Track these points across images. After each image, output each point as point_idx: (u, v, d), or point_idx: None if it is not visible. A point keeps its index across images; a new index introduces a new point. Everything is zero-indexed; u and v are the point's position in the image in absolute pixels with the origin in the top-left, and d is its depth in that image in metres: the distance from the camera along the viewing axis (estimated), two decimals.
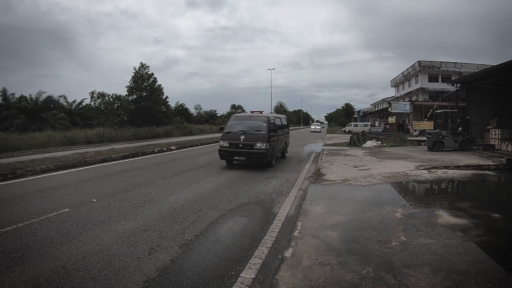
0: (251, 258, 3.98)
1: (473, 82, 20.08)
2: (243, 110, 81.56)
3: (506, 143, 15.84)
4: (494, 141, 16.93)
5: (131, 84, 46.16)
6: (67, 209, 6.04)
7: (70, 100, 38.86)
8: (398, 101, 45.41)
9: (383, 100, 65.18)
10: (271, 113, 16.36)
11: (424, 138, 19.28)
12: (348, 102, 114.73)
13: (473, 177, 9.72)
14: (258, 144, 11.06)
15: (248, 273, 3.59)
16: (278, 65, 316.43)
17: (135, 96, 45.59)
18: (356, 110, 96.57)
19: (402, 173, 9.83)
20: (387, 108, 41.58)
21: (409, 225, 5.11)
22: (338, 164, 12.12)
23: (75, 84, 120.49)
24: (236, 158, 11.40)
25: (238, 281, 3.43)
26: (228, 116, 70.95)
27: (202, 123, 55.87)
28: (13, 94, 33.17)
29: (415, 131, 30.28)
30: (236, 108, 79.51)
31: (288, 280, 3.39)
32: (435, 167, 10.86)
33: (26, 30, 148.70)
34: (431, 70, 43.54)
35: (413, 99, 40.87)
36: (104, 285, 3.35)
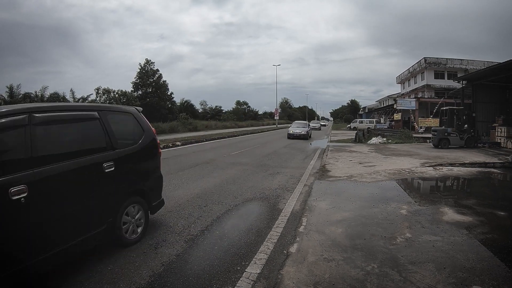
0: (257, 254, 4.01)
1: (479, 79, 19.93)
2: (248, 107, 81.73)
3: None
4: (500, 139, 16.82)
5: (137, 80, 46.35)
6: None
7: (75, 96, 38.93)
8: (404, 97, 45.22)
9: (389, 97, 64.97)
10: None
11: (430, 135, 19.20)
12: (353, 99, 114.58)
13: (479, 174, 9.67)
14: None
15: (254, 268, 3.62)
16: (283, 61, 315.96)
17: (140, 92, 45.78)
18: (362, 106, 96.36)
19: (407, 170, 9.80)
20: (393, 104, 41.39)
21: (414, 221, 5.11)
22: (343, 160, 12.10)
23: (79, 81, 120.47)
24: None
25: (243, 276, 3.46)
26: (233, 112, 71.09)
27: (208, 119, 55.81)
28: (18, 86, 33.23)
29: (421, 128, 30.12)
30: (241, 105, 79.60)
31: (293, 276, 3.40)
32: (441, 164, 10.82)
33: (30, 27, 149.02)
34: (437, 67, 43.26)
35: (419, 96, 40.70)
36: (110, 279, 3.39)
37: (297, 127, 27.25)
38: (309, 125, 30.82)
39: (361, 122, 48.65)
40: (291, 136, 25.38)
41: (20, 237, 2.95)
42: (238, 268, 3.67)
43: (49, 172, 3.24)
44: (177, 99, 56.96)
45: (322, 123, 65.61)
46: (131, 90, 44.15)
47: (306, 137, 25.71)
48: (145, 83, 46.32)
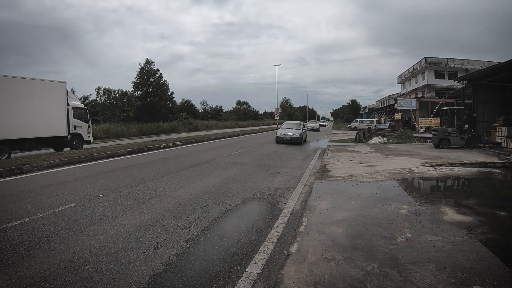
0: (257, 253, 4.00)
1: (480, 79, 19.92)
2: (249, 107, 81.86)
3: None
4: (501, 139, 16.80)
5: (137, 80, 46.43)
6: (73, 204, 6.09)
7: (76, 96, 39.13)
8: (404, 97, 45.24)
9: (389, 97, 65.03)
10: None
11: (430, 135, 19.19)
12: (354, 99, 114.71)
13: (479, 174, 9.66)
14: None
15: (254, 268, 3.61)
16: (283, 61, 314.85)
17: (141, 92, 45.89)
18: (362, 106, 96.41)
19: (408, 170, 9.80)
20: (393, 104, 41.39)
21: (414, 221, 5.11)
22: (343, 160, 12.10)
23: (80, 81, 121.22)
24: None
25: (243, 276, 3.45)
26: (233, 112, 71.16)
27: (208, 119, 55.97)
28: None
29: (421, 128, 30.12)
30: (241, 104, 79.77)
31: (293, 275, 3.40)
32: (441, 164, 10.81)
33: (31, 27, 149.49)
34: (437, 67, 43.32)
35: (419, 96, 40.68)
36: (111, 279, 3.38)
37: (288, 129, 21.88)
38: (304, 126, 24.28)
39: (362, 122, 48.57)
40: (280, 140, 20.46)
41: None
42: (239, 267, 3.67)
43: None
44: (178, 99, 57.20)
45: (321, 123, 61.50)
46: (132, 90, 44.23)
47: (299, 141, 20.55)
48: (146, 83, 46.37)
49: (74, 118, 16.34)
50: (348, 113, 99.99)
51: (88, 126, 17.48)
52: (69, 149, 15.75)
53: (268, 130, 41.04)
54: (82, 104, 18.85)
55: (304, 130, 22.64)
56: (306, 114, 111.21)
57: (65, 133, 15.64)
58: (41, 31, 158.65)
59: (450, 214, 5.53)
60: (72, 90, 38.22)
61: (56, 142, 15.63)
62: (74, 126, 16.31)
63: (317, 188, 7.61)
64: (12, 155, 13.27)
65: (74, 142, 16.30)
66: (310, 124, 44.17)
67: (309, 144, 21.10)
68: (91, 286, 3.24)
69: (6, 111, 13.09)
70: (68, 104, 15.81)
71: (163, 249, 4.14)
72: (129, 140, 22.21)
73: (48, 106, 14.80)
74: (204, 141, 21.74)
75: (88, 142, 17.39)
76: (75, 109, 16.64)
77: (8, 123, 13.23)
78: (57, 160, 10.91)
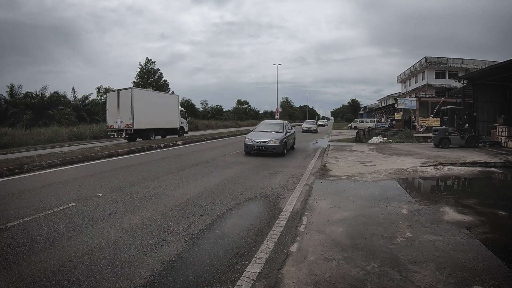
0: (257, 253, 4.00)
1: (480, 78, 19.90)
2: (249, 106, 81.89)
3: None
4: (501, 138, 16.79)
5: (137, 79, 46.46)
6: (73, 204, 6.08)
7: (76, 96, 39.15)
8: (405, 97, 45.19)
9: (390, 96, 65.01)
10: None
11: (431, 135, 19.17)
12: (354, 98, 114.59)
13: (480, 174, 9.64)
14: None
15: (254, 268, 3.61)
16: (284, 60, 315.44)
17: None
18: (362, 106, 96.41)
19: (408, 170, 9.78)
20: (394, 104, 41.37)
21: (414, 221, 5.10)
22: (344, 159, 12.09)
23: (81, 80, 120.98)
24: None
25: (243, 275, 3.44)
26: (234, 111, 71.14)
27: (208, 119, 55.96)
28: (19, 86, 33.86)
29: (421, 127, 30.11)
30: (242, 104, 79.79)
31: (293, 275, 3.39)
32: (441, 164, 10.80)
33: (32, 27, 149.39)
34: (438, 66, 43.29)
35: (420, 95, 40.66)
36: (110, 278, 3.38)
37: (263, 133, 15.23)
38: (289, 129, 16.66)
39: (362, 121, 48.53)
40: (251, 150, 14.25)
41: None
42: (238, 267, 3.66)
43: None
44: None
45: (320, 123, 55.14)
46: None
47: (280, 150, 13.86)
48: (146, 82, 46.45)
49: (180, 117, 25.96)
50: (349, 112, 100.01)
51: (187, 122, 28.75)
52: (176, 136, 24.69)
53: None
54: (183, 108, 29.94)
55: (289, 134, 15.89)
56: (306, 113, 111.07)
57: (177, 126, 25.26)
58: (42, 31, 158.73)
59: (451, 213, 5.52)
60: (73, 89, 38.85)
61: (172, 132, 24.72)
62: (181, 122, 25.96)
63: (317, 187, 7.60)
64: (12, 155, 13.31)
65: (180, 132, 25.91)
66: (306, 125, 39.05)
67: (308, 144, 21.04)
68: (91, 286, 3.24)
69: (152, 111, 21.73)
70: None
71: (163, 248, 4.13)
72: None
73: (170, 109, 24.31)
74: (204, 141, 21.77)
75: (186, 132, 27.75)
76: (181, 111, 26.55)
77: (154, 119, 22.14)
78: (57, 159, 10.91)
